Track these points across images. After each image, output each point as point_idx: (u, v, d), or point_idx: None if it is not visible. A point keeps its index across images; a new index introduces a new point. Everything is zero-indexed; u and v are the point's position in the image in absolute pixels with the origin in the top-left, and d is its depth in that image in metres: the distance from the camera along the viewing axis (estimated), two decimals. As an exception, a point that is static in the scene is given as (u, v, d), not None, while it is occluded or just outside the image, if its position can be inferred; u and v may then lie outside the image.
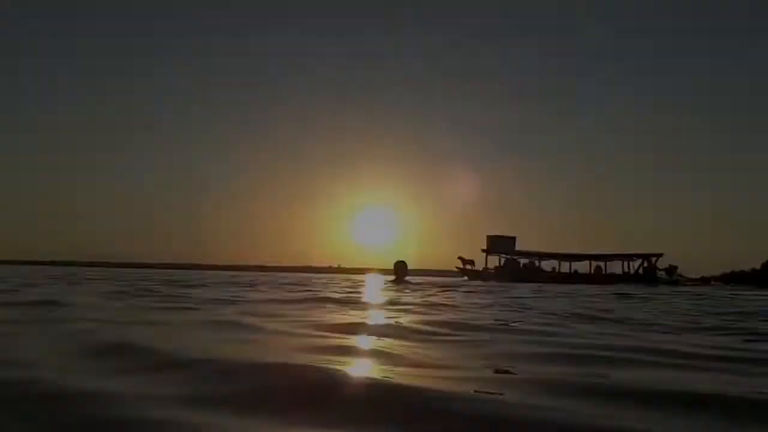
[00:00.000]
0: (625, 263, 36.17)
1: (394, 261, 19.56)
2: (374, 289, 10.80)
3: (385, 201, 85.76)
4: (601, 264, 36.21)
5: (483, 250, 37.53)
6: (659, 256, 34.87)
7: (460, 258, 37.36)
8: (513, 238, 37.90)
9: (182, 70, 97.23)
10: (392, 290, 10.09)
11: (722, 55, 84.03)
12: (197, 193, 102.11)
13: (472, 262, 37.13)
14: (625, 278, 34.26)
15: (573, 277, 34.52)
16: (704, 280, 35.00)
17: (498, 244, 37.40)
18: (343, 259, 72.54)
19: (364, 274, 50.06)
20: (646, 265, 35.40)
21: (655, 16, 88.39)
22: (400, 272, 19.30)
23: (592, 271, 36.00)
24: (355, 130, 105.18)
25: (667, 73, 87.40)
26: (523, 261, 37.55)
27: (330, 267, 67.62)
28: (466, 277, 34.25)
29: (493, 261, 37.79)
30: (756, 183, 72.73)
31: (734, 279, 43.33)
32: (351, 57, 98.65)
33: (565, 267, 36.97)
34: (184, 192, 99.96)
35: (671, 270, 34.63)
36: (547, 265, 37.42)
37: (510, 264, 36.89)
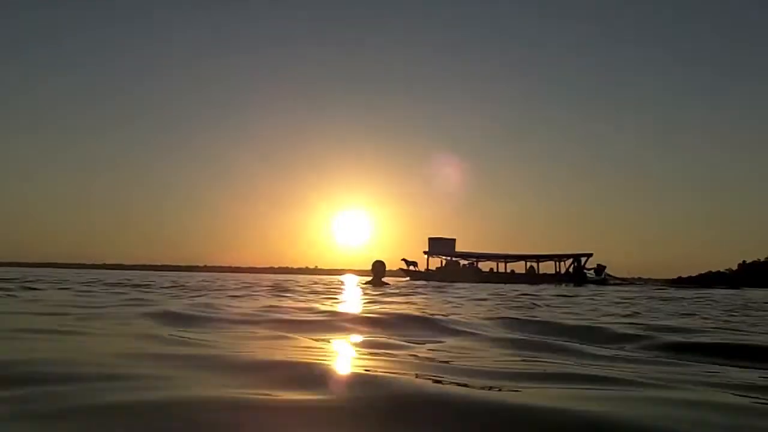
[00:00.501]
0: (557, 263, 37.52)
1: (372, 261, 18.56)
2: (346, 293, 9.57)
3: (363, 203, 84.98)
4: (534, 264, 37.58)
5: (425, 252, 38.86)
6: (589, 256, 36.11)
7: (403, 260, 38.60)
8: (453, 240, 39.39)
9: (160, 70, 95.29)
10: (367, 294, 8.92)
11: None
12: (173, 196, 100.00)
13: (415, 264, 38.52)
14: (556, 277, 35.74)
15: (509, 277, 35.84)
16: (631, 280, 36.34)
17: (438, 245, 38.87)
18: (320, 260, 71.68)
19: (341, 274, 49.48)
20: (576, 264, 36.70)
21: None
22: (377, 273, 18.32)
23: (526, 271, 37.31)
24: (332, 133, 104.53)
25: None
26: (463, 262, 38.94)
27: (307, 268, 66.65)
28: (408, 278, 35.01)
29: (436, 262, 39.14)
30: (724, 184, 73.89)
31: (708, 279, 43.77)
32: (331, 60, 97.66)
33: (502, 267, 38.31)
34: (164, 195, 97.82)
35: (599, 269, 35.99)
36: (485, 265, 38.65)
37: (450, 265, 38.13)
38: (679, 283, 44.80)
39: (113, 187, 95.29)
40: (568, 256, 36.76)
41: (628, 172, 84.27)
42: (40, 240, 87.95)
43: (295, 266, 65.55)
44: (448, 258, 38.76)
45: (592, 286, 21.66)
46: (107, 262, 66.71)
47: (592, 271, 36.26)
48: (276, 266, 66.78)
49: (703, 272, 45.83)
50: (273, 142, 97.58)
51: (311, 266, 69.78)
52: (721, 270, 44.78)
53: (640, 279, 38.37)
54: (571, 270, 36.41)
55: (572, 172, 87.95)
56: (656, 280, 39.60)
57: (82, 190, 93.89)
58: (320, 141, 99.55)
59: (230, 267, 63.60)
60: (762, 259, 44.47)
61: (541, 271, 37.37)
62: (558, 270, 37.09)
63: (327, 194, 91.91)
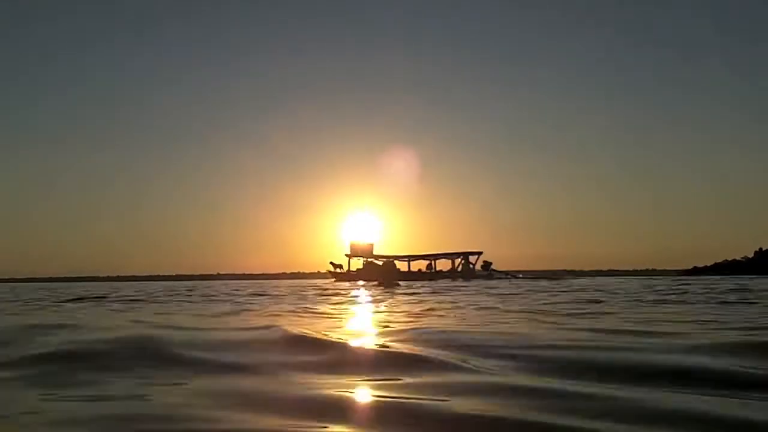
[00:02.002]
0: (453, 260, 42.11)
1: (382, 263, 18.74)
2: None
3: (374, 205, 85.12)
4: (432, 262, 42.15)
5: (346, 255, 42.96)
6: (479, 254, 40.74)
7: (331, 263, 42.87)
8: (371, 244, 43.56)
9: (169, 76, 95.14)
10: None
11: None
12: (186, 202, 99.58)
13: (341, 266, 42.46)
14: (449, 274, 40.37)
15: (412, 275, 39.99)
16: (513, 273, 39.61)
17: (359, 249, 43.01)
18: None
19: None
20: (464, 261, 41.46)
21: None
22: (388, 274, 18.59)
23: (425, 268, 42.09)
24: (340, 135, 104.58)
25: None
26: (377, 262, 42.94)
27: (318, 272, 66.53)
28: (334, 279, 38.87)
29: (357, 264, 43.26)
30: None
31: (723, 268, 43.94)
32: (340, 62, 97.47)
33: (413, 266, 42.90)
34: (167, 204, 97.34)
35: (486, 265, 40.18)
36: (401, 265, 42.87)
37: (369, 266, 41.93)
38: (694, 273, 44.97)
39: (118, 198, 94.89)
40: (458, 254, 41.48)
41: (637, 162, 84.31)
42: (44, 255, 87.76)
43: (308, 271, 65.35)
44: (367, 260, 43.00)
45: (479, 281, 24.87)
46: (120, 275, 66.56)
47: (481, 268, 40.57)
48: (288, 272, 66.73)
49: (719, 261, 46.08)
50: (280, 144, 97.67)
51: (323, 270, 69.57)
52: (738, 258, 45.04)
53: (520, 272, 42.07)
54: (460, 267, 41.14)
55: (589, 171, 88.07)
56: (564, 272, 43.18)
57: (87, 202, 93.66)
58: (331, 143, 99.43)
59: (244, 274, 63.57)
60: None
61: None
62: (453, 266, 41.73)
63: (337, 197, 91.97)
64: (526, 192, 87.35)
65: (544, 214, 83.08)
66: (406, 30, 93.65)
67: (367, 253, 42.76)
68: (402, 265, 42.38)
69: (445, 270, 41.16)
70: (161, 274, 63.74)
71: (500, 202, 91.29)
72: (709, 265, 47.82)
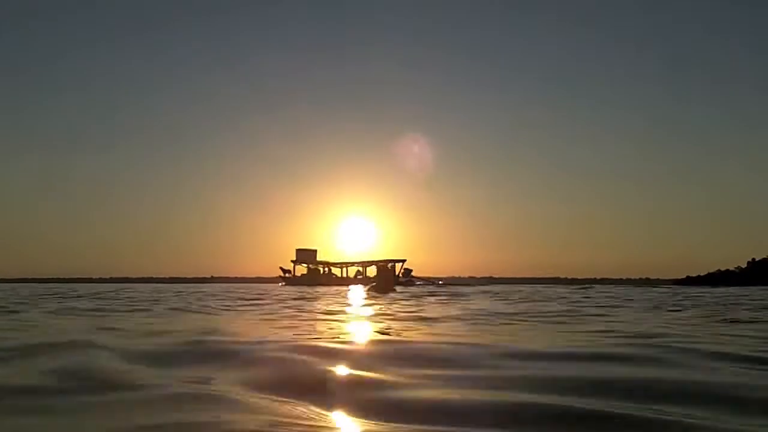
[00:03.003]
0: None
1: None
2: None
3: (367, 210, 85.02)
4: (361, 268, 45.31)
5: (292, 261, 46.19)
6: (403, 261, 43.36)
7: (281, 268, 46.50)
8: (314, 251, 46.84)
9: (161, 80, 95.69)
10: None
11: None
12: (170, 206, 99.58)
13: (289, 271, 46.09)
14: (375, 280, 43.55)
15: (347, 280, 43.99)
16: (433, 281, 42.55)
17: (303, 255, 46.21)
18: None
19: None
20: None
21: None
22: (382, 278, 18.69)
23: (355, 274, 45.28)
24: (336, 140, 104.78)
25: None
26: (322, 268, 46.66)
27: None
28: (283, 283, 42.86)
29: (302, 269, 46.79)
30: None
31: (716, 278, 43.58)
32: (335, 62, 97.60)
33: (345, 272, 46.41)
34: (162, 205, 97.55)
35: (407, 272, 42.69)
36: (337, 271, 46.57)
37: (311, 272, 45.88)
38: (687, 283, 44.60)
39: (111, 201, 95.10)
40: (384, 262, 44.16)
41: (627, 170, 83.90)
42: (40, 255, 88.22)
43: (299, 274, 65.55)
44: (309, 266, 46.27)
45: (400, 288, 27.05)
46: (113, 276, 66.75)
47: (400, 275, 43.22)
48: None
49: (712, 271, 45.66)
50: (275, 147, 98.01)
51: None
52: (731, 268, 44.63)
53: (440, 279, 44.89)
54: (371, 273, 44.30)
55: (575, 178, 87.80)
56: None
57: (85, 204, 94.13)
58: (326, 146, 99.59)
59: (237, 278, 63.58)
60: (771, 256, 44.02)
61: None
62: (362, 273, 45.09)
63: (332, 201, 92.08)
64: (522, 199, 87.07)
65: (538, 222, 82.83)
66: (405, 34, 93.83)
67: (311, 259, 46.27)
68: (337, 272, 46.18)
69: (371, 276, 44.03)
70: (154, 276, 63.78)
71: (494, 210, 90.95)
72: (702, 275, 47.45)
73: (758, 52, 69.88)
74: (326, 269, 46.74)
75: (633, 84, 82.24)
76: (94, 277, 63.65)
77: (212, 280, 59.97)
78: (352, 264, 46.32)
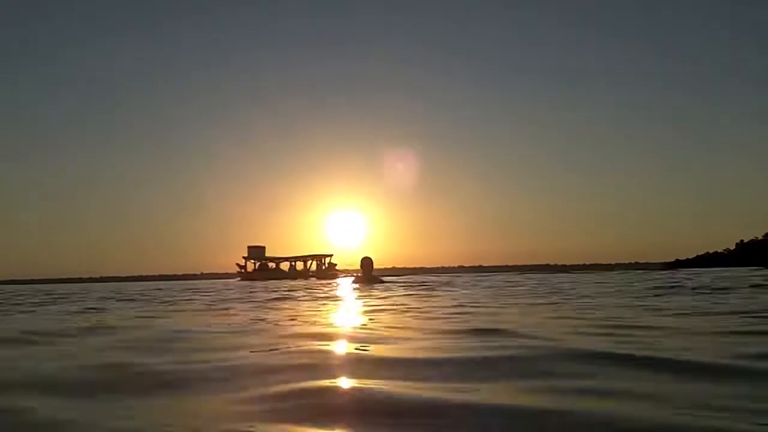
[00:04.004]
0: (303, 262, 48.63)
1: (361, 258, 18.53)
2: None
3: (356, 204, 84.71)
4: (293, 263, 48.40)
5: (244, 257, 48.01)
6: (330, 256, 47.00)
7: (237, 264, 48.42)
8: (263, 247, 48.78)
9: (150, 74, 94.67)
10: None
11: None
12: (159, 202, 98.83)
13: (245, 267, 48.08)
14: (303, 273, 46.92)
15: (289, 274, 46.45)
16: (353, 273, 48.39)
17: (253, 252, 48.26)
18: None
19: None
20: (317, 263, 47.64)
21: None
22: (366, 269, 18.37)
23: (288, 269, 48.01)
24: (328, 134, 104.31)
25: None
26: (270, 264, 48.64)
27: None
28: (239, 278, 44.59)
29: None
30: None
31: (705, 260, 43.58)
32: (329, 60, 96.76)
33: (289, 266, 48.73)
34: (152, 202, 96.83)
35: (331, 266, 46.14)
36: (284, 265, 48.66)
37: (262, 267, 47.96)
38: (676, 266, 44.58)
39: (100, 199, 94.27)
40: (314, 256, 47.76)
41: (618, 157, 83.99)
42: (32, 255, 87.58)
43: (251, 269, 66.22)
44: (259, 261, 48.19)
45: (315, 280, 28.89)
46: (104, 275, 66.28)
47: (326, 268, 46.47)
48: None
49: (701, 254, 45.66)
50: (266, 142, 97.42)
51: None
52: (719, 251, 44.61)
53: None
54: (313, 267, 47.32)
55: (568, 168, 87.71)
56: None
57: (72, 203, 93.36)
58: (315, 140, 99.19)
59: (227, 273, 63.32)
60: (760, 237, 44.02)
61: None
62: (306, 267, 47.87)
63: (320, 195, 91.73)
64: (511, 189, 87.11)
65: (528, 211, 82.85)
66: (400, 32, 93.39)
67: (260, 255, 48.43)
68: (272, 265, 48.19)
69: (300, 270, 47.70)
70: (144, 274, 63.43)
71: (484, 199, 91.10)
72: (691, 257, 47.54)
73: (758, 53, 70.03)
74: (275, 264, 48.90)
75: (619, 73, 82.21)
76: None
77: (202, 276, 59.64)
78: (283, 259, 48.89)
